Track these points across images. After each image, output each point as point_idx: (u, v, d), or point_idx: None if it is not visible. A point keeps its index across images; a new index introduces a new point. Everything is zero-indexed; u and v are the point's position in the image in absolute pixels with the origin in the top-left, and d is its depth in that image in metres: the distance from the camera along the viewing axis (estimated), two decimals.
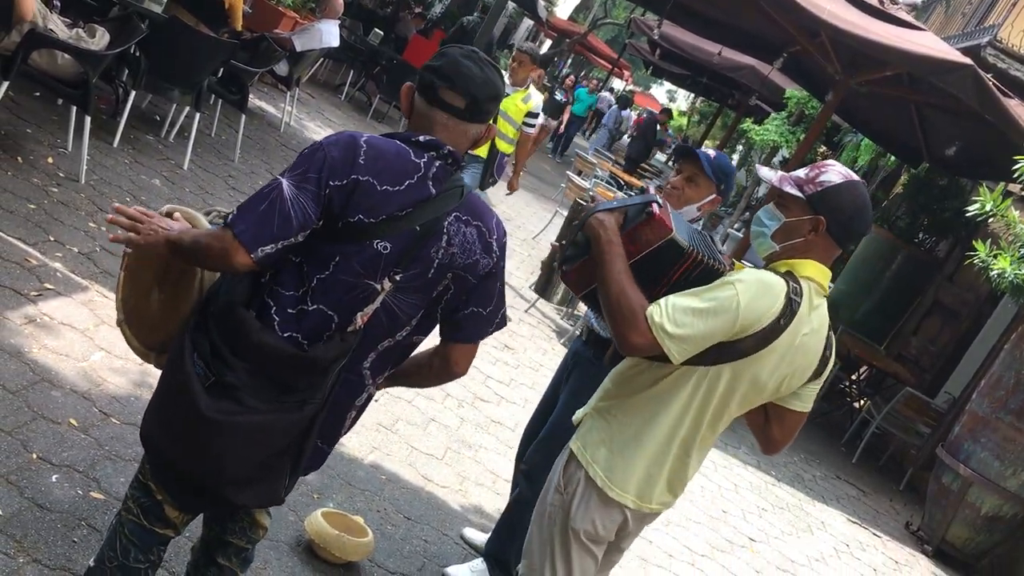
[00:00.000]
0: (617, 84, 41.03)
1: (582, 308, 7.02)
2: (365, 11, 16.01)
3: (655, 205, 2.40)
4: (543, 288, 3.03)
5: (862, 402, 10.22)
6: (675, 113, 20.26)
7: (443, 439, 4.79)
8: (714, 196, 3.33)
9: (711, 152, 3.37)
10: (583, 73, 30.90)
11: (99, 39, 5.23)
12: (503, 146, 7.01)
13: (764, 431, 2.63)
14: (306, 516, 3.47)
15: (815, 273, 2.42)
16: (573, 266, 2.56)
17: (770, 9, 8.58)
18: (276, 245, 1.99)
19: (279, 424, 2.02)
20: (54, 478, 3.05)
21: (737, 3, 9.24)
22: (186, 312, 2.13)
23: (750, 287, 2.29)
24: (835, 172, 2.43)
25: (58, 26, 5.02)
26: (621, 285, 2.31)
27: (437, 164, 2.09)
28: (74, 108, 5.52)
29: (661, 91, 59.66)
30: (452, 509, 4.19)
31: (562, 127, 17.58)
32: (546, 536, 2.62)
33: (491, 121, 2.22)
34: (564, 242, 2.66)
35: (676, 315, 2.25)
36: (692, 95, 31.03)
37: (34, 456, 3.10)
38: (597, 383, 3.34)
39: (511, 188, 7.79)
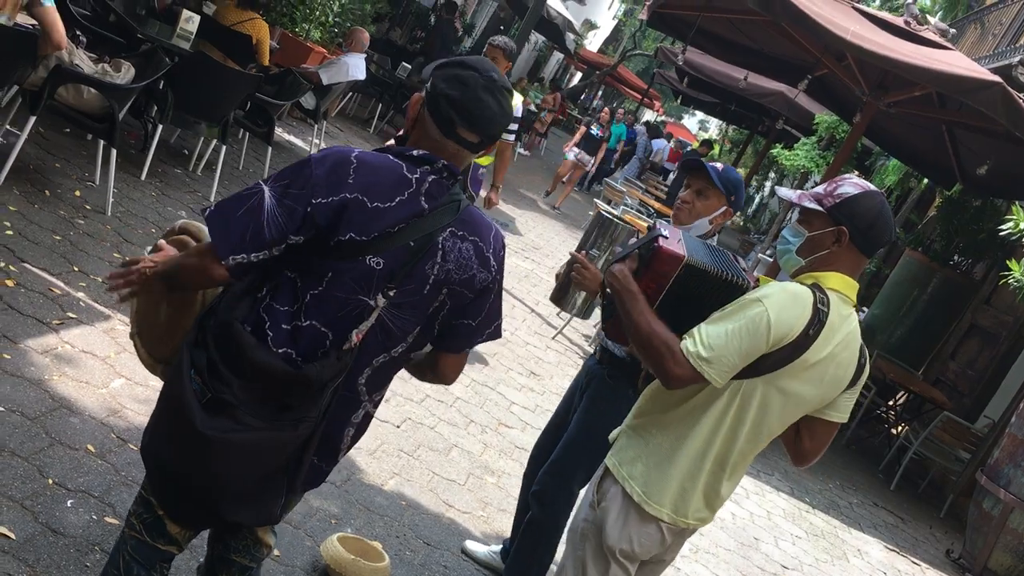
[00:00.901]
0: (648, 115, 41.12)
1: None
2: (395, 46, 16.20)
3: (660, 239, 2.47)
4: (558, 298, 3.01)
5: (899, 428, 10.01)
6: (714, 147, 20.25)
7: (465, 465, 4.74)
8: (725, 208, 3.32)
9: (718, 165, 3.35)
10: (615, 104, 30.95)
11: (125, 73, 5.32)
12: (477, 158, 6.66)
13: (795, 443, 2.63)
14: (323, 541, 3.44)
15: (840, 284, 2.46)
16: (609, 322, 2.66)
17: (794, 32, 8.56)
18: (247, 256, 1.98)
19: (274, 442, 2.00)
20: (69, 503, 3.05)
21: (761, 27, 9.23)
22: (189, 326, 2.13)
23: (776, 300, 2.34)
24: (851, 184, 2.49)
25: (84, 61, 5.11)
26: (648, 326, 2.38)
27: (431, 179, 2.07)
28: (101, 142, 5.60)
29: (693, 121, 59.69)
30: (473, 535, 4.13)
31: (594, 166, 17.39)
32: (579, 554, 2.64)
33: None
34: (576, 256, 2.73)
35: (709, 340, 2.31)
36: (722, 123, 30.99)
37: (50, 481, 3.10)
38: (611, 402, 3.32)
39: (489, 204, 7.03)
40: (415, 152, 2.09)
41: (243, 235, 1.97)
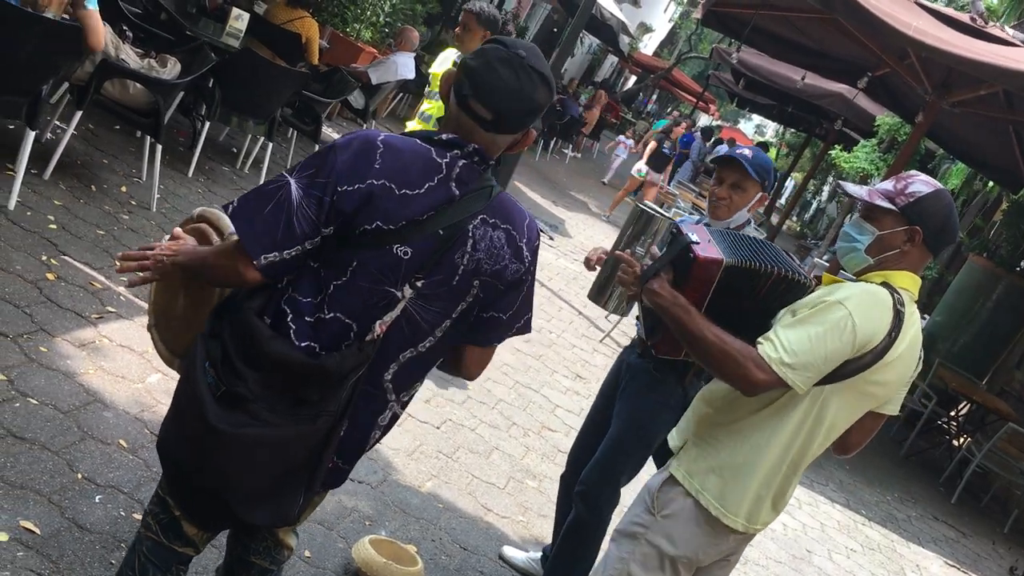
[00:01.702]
0: (704, 119, 40.68)
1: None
2: (447, 47, 16.17)
3: (693, 247, 2.34)
4: (596, 295, 2.90)
5: (962, 439, 9.67)
6: (770, 149, 19.79)
7: (506, 468, 4.62)
8: (761, 195, 3.24)
9: (747, 152, 3.23)
10: (669, 110, 30.63)
11: (170, 69, 5.30)
12: None
13: (841, 435, 2.52)
14: (355, 543, 3.35)
15: (909, 283, 2.39)
16: (658, 339, 2.57)
17: (855, 29, 8.31)
18: (280, 254, 1.88)
19: (291, 438, 1.90)
20: (97, 499, 3.00)
21: (820, 25, 8.98)
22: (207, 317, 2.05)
23: (859, 303, 2.26)
24: (922, 182, 2.41)
25: (130, 56, 5.11)
26: (715, 337, 2.28)
27: (462, 163, 1.96)
28: (148, 138, 5.60)
29: (749, 126, 58.91)
30: (511, 540, 4.01)
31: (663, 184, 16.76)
32: (624, 556, 2.55)
33: (530, 128, 2.08)
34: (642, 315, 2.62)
35: (792, 346, 2.23)
36: (780, 127, 30.52)
37: (79, 476, 3.05)
38: (659, 397, 3.20)
39: None
40: (444, 136, 1.98)
41: (273, 232, 1.87)
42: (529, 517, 4.29)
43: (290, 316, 1.94)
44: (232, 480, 1.91)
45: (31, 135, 4.55)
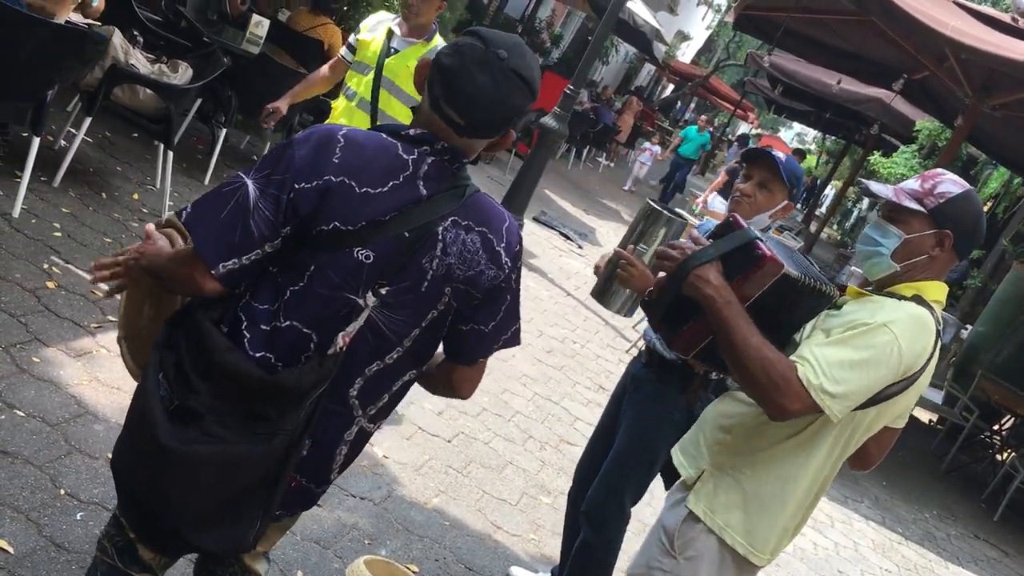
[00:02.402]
0: (744, 127, 40.24)
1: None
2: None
3: (760, 244, 2.10)
4: (601, 295, 2.72)
5: (1006, 454, 9.32)
6: (808, 155, 19.40)
7: (520, 483, 4.45)
8: (786, 203, 3.02)
9: (781, 155, 3.03)
10: (689, 105, 30.35)
11: (182, 74, 5.22)
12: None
13: (859, 449, 2.35)
14: (350, 563, 3.19)
15: (940, 294, 2.21)
16: (677, 334, 2.26)
17: (891, 31, 8.06)
18: (239, 260, 1.73)
19: (244, 457, 1.74)
20: (79, 516, 2.87)
21: (855, 27, 8.75)
22: None
23: (906, 328, 2.08)
24: (951, 181, 2.21)
25: (140, 61, 5.03)
26: (760, 351, 2.05)
27: (430, 160, 1.80)
28: (161, 145, 5.52)
29: (790, 134, 58.22)
30: (521, 560, 3.84)
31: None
32: None
33: (509, 130, 1.91)
34: (651, 298, 2.34)
35: (833, 372, 2.03)
36: (819, 134, 30.07)
37: (62, 492, 2.94)
38: (661, 409, 3.02)
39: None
40: (413, 131, 1.82)
41: (230, 238, 1.72)
42: (541, 535, 4.11)
43: (245, 324, 1.80)
44: (179, 501, 1.77)
45: (36, 141, 4.47)
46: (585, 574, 3.20)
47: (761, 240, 2.09)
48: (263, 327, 1.79)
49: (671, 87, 41.07)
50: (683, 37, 39.03)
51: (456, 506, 3.98)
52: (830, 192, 29.30)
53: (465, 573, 3.57)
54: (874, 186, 2.27)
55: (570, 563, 3.24)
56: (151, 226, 1.98)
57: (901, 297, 2.16)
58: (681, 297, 2.15)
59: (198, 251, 1.74)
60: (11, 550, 2.62)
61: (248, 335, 1.79)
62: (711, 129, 19.86)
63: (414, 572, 3.35)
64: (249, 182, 1.75)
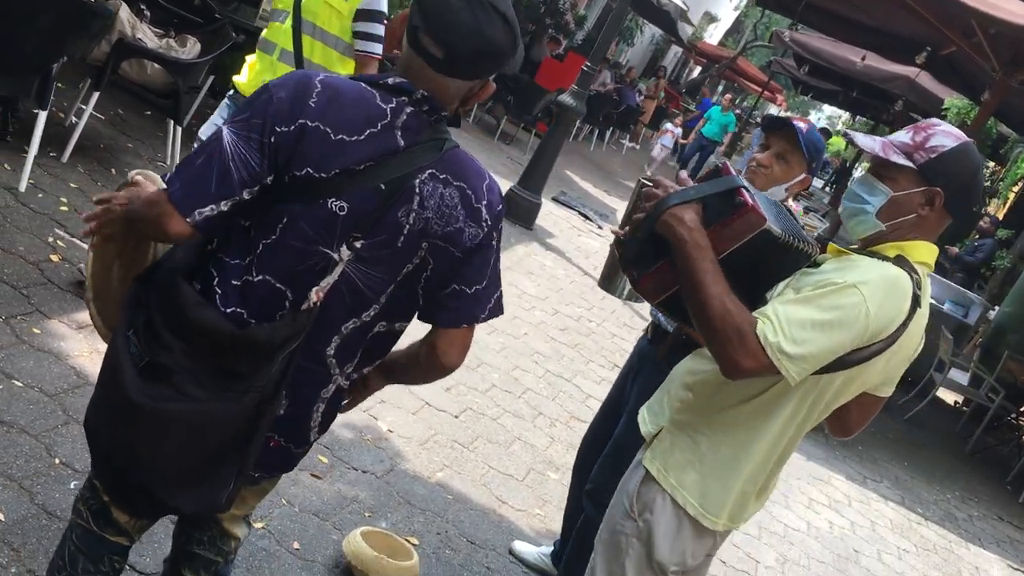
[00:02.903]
0: (773, 110, 39.79)
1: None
2: None
3: (744, 192, 1.99)
4: (606, 282, 2.63)
5: None
6: (833, 135, 18.97)
7: (527, 459, 4.40)
8: (804, 176, 2.87)
9: (803, 124, 2.90)
10: (716, 88, 29.87)
11: (190, 49, 5.20)
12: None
13: (840, 416, 2.25)
14: (347, 535, 3.16)
15: (927, 256, 2.07)
16: (645, 273, 2.15)
17: (915, 4, 7.89)
18: (216, 206, 1.69)
19: (215, 414, 1.70)
20: (72, 485, 2.86)
21: (877, 1, 8.58)
22: None
23: (877, 290, 1.94)
24: (945, 133, 2.04)
25: (147, 35, 5.01)
26: (722, 301, 1.92)
27: (408, 111, 1.75)
28: (171, 120, 5.51)
29: (820, 117, 57.54)
30: (525, 535, 3.79)
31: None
32: (617, 569, 2.25)
33: (488, 78, 1.86)
34: (625, 238, 2.25)
35: (794, 331, 1.89)
36: (848, 115, 29.65)
37: (56, 461, 2.92)
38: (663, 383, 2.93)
39: None
40: (391, 80, 1.77)
41: (207, 184, 1.68)
42: (547, 511, 4.06)
43: (216, 279, 1.76)
44: (149, 458, 1.73)
45: (42, 115, 4.46)
46: (588, 552, 3.14)
47: (747, 189, 1.99)
48: (235, 282, 1.76)
49: (698, 69, 40.69)
50: (710, 18, 38.63)
51: (460, 480, 3.94)
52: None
53: (467, 546, 3.53)
54: (860, 138, 2.12)
55: (572, 540, 3.18)
56: (136, 172, 1.94)
57: (883, 257, 2.03)
58: (655, 238, 2.05)
59: (170, 196, 1.70)
60: (2, 517, 2.60)
61: (220, 291, 1.76)
62: (737, 111, 19.51)
63: (414, 545, 3.31)
64: (225, 129, 1.72)
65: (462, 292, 1.86)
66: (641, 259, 2.14)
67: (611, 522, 2.28)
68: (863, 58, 10.93)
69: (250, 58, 3.89)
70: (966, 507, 7.14)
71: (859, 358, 1.97)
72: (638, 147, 20.35)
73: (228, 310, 1.74)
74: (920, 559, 5.67)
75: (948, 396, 10.37)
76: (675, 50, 37.50)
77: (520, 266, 7.37)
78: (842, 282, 1.93)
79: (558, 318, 6.63)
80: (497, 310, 1.92)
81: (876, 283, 1.94)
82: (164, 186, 1.82)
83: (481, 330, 5.52)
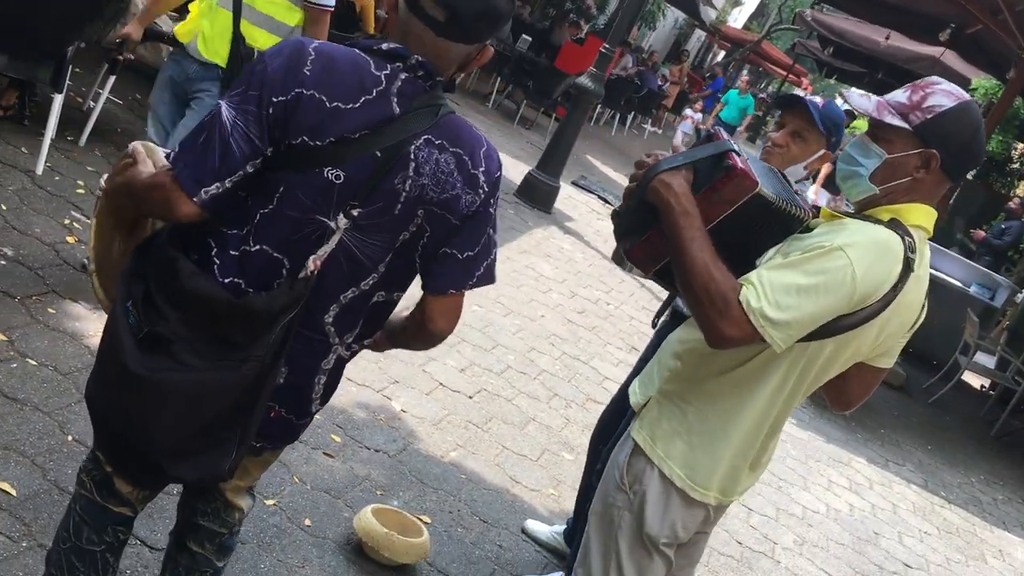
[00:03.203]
0: (798, 93, 39.27)
1: None
2: (522, 23, 15.91)
3: (734, 156, 1.96)
4: (615, 255, 2.60)
5: None
6: (858, 117, 18.76)
7: (542, 440, 4.39)
8: (823, 152, 2.83)
9: (818, 100, 2.85)
10: (741, 72, 29.43)
11: None
12: (260, 39, 3.65)
13: (839, 387, 2.21)
14: (358, 512, 3.17)
15: (923, 219, 2.00)
16: (637, 242, 2.12)
17: None
18: (222, 184, 1.69)
19: (214, 384, 1.70)
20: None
21: None
22: None
23: (865, 252, 1.87)
24: (944, 93, 1.96)
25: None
26: (707, 267, 1.88)
27: (403, 76, 1.73)
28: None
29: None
30: (539, 514, 3.79)
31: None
32: (610, 542, 2.22)
33: (487, 42, 1.84)
34: (619, 208, 2.22)
35: (778, 296, 1.84)
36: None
37: (69, 438, 2.94)
38: None
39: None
40: (385, 46, 1.75)
41: (210, 162, 1.68)
42: (561, 490, 4.05)
43: (215, 250, 1.76)
44: (154, 431, 1.73)
45: (58, 99, 4.49)
46: None
47: (737, 153, 1.95)
48: (232, 252, 1.75)
49: (722, 53, 40.40)
50: (735, 2, 38.33)
51: (474, 460, 3.94)
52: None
53: (479, 525, 3.53)
54: (854, 98, 2.06)
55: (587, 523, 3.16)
56: (137, 144, 1.93)
57: (876, 220, 1.97)
58: (646, 206, 2.02)
59: (176, 178, 1.70)
60: (14, 492, 2.63)
61: (218, 261, 1.75)
62: (763, 95, 19.25)
63: (426, 523, 3.31)
64: (223, 103, 1.71)
65: (452, 257, 1.84)
66: (633, 229, 2.11)
67: (604, 495, 2.25)
68: (887, 37, 10.78)
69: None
70: (991, 491, 7.06)
71: (848, 324, 1.92)
72: (660, 132, 20.21)
73: (226, 280, 1.74)
74: (942, 542, 5.61)
75: (974, 380, 10.25)
76: (699, 34, 37.23)
77: (538, 249, 7.35)
78: (828, 245, 1.87)
79: (576, 300, 6.61)
80: (487, 278, 1.90)
81: (863, 246, 1.88)
82: (164, 162, 1.82)
83: (497, 312, 5.52)
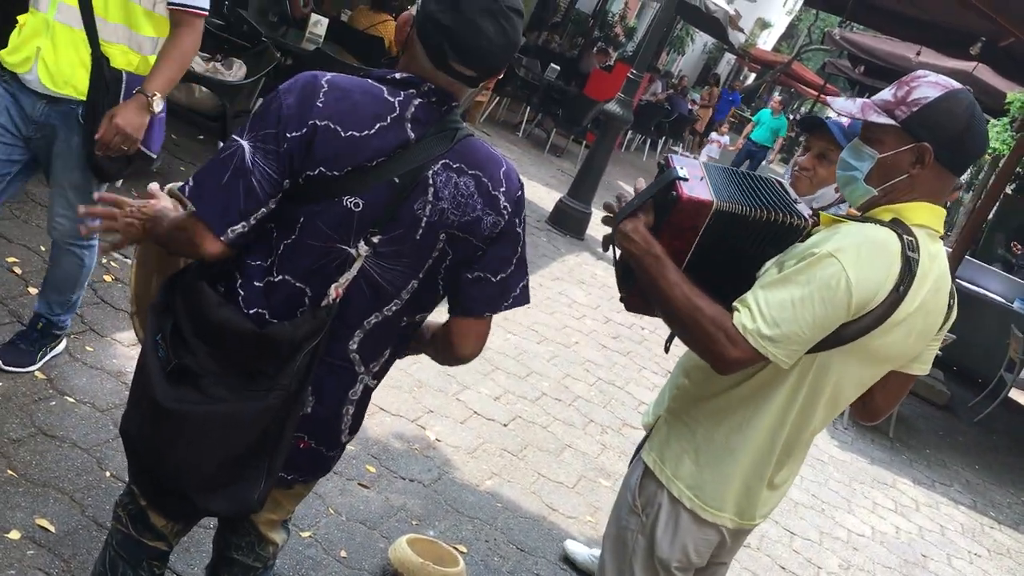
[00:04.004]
0: (830, 114, 39.12)
1: None
2: (550, 53, 16.01)
3: (679, 184, 1.93)
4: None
5: None
6: None
7: (578, 467, 4.36)
8: None
9: (844, 120, 2.83)
10: (773, 93, 29.30)
11: (236, 71, 5.29)
12: (122, 60, 2.94)
13: (863, 398, 2.14)
14: (394, 543, 3.16)
15: (927, 217, 1.93)
16: (630, 292, 2.13)
17: None
18: (247, 222, 1.71)
19: (241, 416, 1.71)
20: None
21: None
22: None
23: (857, 255, 1.81)
24: (929, 84, 1.91)
25: (194, 60, 5.11)
26: (688, 301, 1.87)
27: (417, 102, 1.75)
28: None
29: None
30: (576, 541, 3.75)
31: None
32: (624, 567, 2.19)
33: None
34: (616, 260, 2.20)
35: (772, 313, 1.81)
36: None
37: (108, 474, 2.98)
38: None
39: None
40: (397, 75, 1.77)
41: (235, 203, 1.70)
42: (599, 517, 4.01)
43: (239, 281, 1.78)
44: (182, 464, 1.75)
45: None
46: None
47: (684, 179, 1.92)
48: (256, 283, 1.77)
49: (752, 76, 40.34)
50: (763, 24, 38.27)
51: (510, 488, 3.92)
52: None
53: (516, 553, 3.51)
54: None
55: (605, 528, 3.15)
56: (155, 185, 1.97)
57: (877, 221, 1.92)
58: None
59: (201, 218, 1.72)
60: (53, 529, 2.66)
61: (243, 292, 1.77)
62: (790, 116, 19.13)
63: (462, 552, 3.30)
64: (244, 143, 1.72)
65: (487, 280, 1.85)
66: (625, 277, 2.11)
67: (617, 518, 2.22)
68: (918, 53, 10.70)
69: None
70: None
71: (853, 333, 1.86)
72: (689, 154, 20.18)
73: (251, 311, 1.76)
74: (993, 563, 5.47)
75: (1021, 397, 10.04)
76: (728, 58, 37.26)
77: (571, 276, 7.35)
78: (819, 252, 1.82)
79: (610, 326, 6.59)
80: (523, 299, 1.91)
81: (856, 249, 1.82)
82: (187, 202, 1.85)
83: (531, 339, 5.51)
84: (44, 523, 2.66)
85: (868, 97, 2.08)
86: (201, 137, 6.48)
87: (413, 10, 1.82)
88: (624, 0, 25.93)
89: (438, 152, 1.75)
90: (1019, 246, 11.25)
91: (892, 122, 1.90)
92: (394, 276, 1.79)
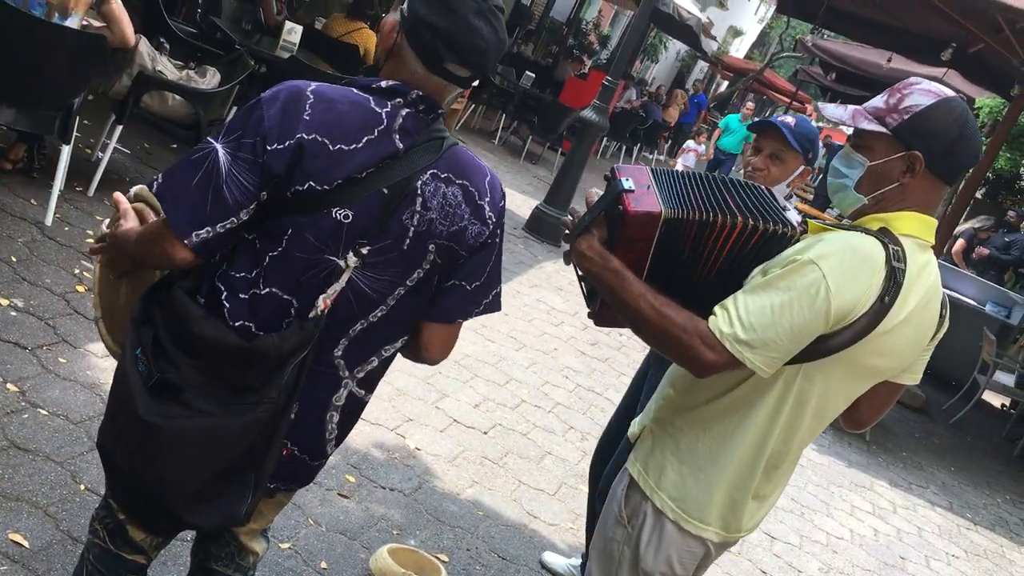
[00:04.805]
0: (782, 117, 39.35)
1: None
2: (525, 60, 16.03)
3: (624, 195, 1.87)
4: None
5: None
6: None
7: (558, 474, 4.35)
8: (803, 168, 2.94)
9: (790, 120, 2.91)
10: (745, 100, 29.48)
11: (210, 79, 5.24)
12: None
13: (849, 407, 2.09)
14: (374, 553, 3.13)
15: (916, 227, 1.90)
16: (598, 307, 2.10)
17: (939, 2, 7.79)
18: (213, 228, 1.67)
19: (228, 430, 1.68)
20: None
21: (900, 1, 8.49)
22: None
23: (838, 263, 1.77)
24: (922, 92, 1.87)
25: (167, 68, 5.06)
26: (655, 311, 1.82)
27: (404, 112, 1.73)
28: None
29: None
30: (558, 549, 3.73)
31: None
32: None
33: None
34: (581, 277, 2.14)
35: (749, 317, 1.76)
36: None
37: (82, 488, 2.92)
38: None
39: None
40: (383, 83, 1.75)
41: (202, 207, 1.66)
42: (580, 524, 3.99)
43: (224, 294, 1.74)
44: (169, 478, 1.71)
45: (66, 150, 4.52)
46: None
47: (628, 191, 1.87)
48: (242, 295, 1.74)
49: (725, 84, 40.59)
50: (735, 32, 38.56)
51: (491, 496, 3.90)
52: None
53: (498, 562, 3.48)
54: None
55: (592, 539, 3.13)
56: (119, 195, 1.94)
57: (864, 230, 1.88)
58: None
59: (168, 222, 1.69)
60: (27, 544, 2.61)
61: (228, 304, 1.73)
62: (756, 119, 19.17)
63: (443, 561, 3.27)
64: (219, 147, 1.69)
65: (462, 289, 1.85)
66: (592, 293, 2.09)
67: (603, 530, 2.17)
68: (889, 60, 10.80)
69: None
70: (1017, 511, 6.95)
71: (835, 346, 1.82)
72: (663, 158, 20.26)
73: (236, 324, 1.72)
74: (970, 564, 5.51)
75: (995, 399, 10.14)
76: (701, 65, 37.48)
77: (549, 282, 7.34)
78: (801, 259, 1.79)
79: (588, 332, 6.58)
80: (495, 305, 1.91)
81: (836, 256, 1.77)
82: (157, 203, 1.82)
83: (509, 346, 5.50)
84: (18, 538, 2.61)
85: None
86: (174, 146, 6.42)
87: (394, 16, 1.80)
88: (598, 8, 26.04)
89: (426, 162, 1.73)
90: (984, 250, 11.36)
91: (883, 129, 1.87)
92: (381, 285, 1.77)
